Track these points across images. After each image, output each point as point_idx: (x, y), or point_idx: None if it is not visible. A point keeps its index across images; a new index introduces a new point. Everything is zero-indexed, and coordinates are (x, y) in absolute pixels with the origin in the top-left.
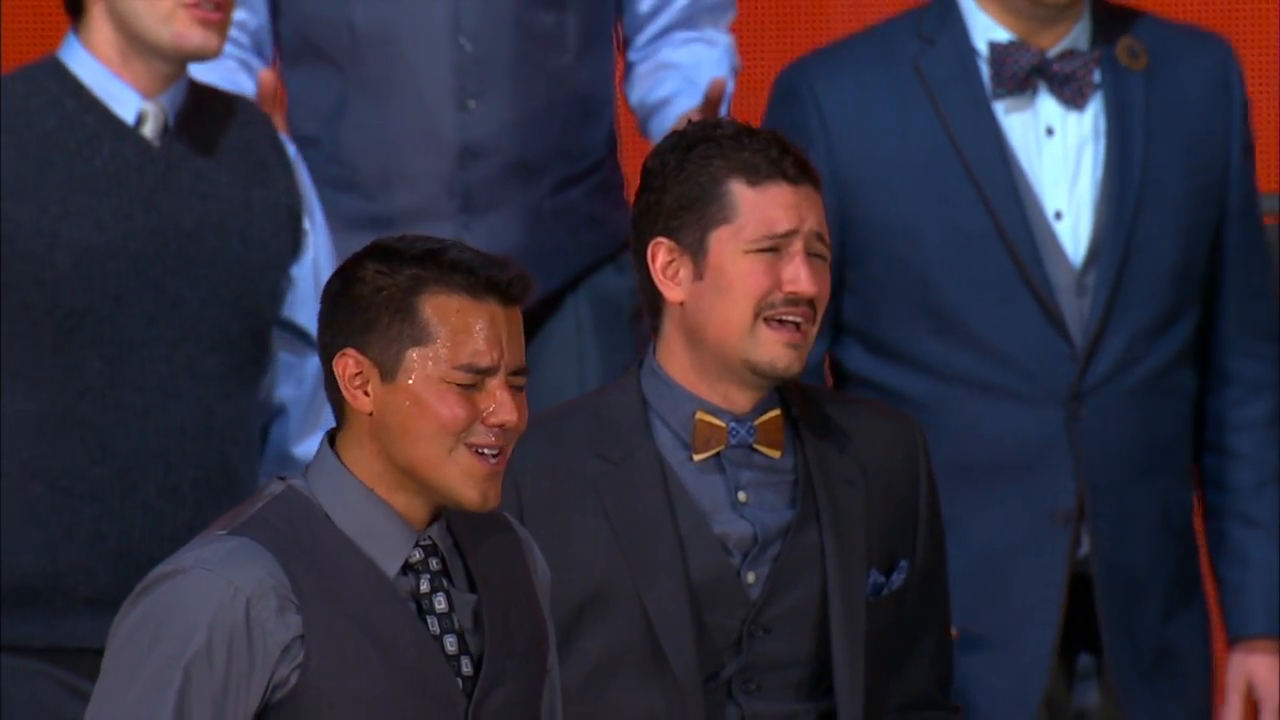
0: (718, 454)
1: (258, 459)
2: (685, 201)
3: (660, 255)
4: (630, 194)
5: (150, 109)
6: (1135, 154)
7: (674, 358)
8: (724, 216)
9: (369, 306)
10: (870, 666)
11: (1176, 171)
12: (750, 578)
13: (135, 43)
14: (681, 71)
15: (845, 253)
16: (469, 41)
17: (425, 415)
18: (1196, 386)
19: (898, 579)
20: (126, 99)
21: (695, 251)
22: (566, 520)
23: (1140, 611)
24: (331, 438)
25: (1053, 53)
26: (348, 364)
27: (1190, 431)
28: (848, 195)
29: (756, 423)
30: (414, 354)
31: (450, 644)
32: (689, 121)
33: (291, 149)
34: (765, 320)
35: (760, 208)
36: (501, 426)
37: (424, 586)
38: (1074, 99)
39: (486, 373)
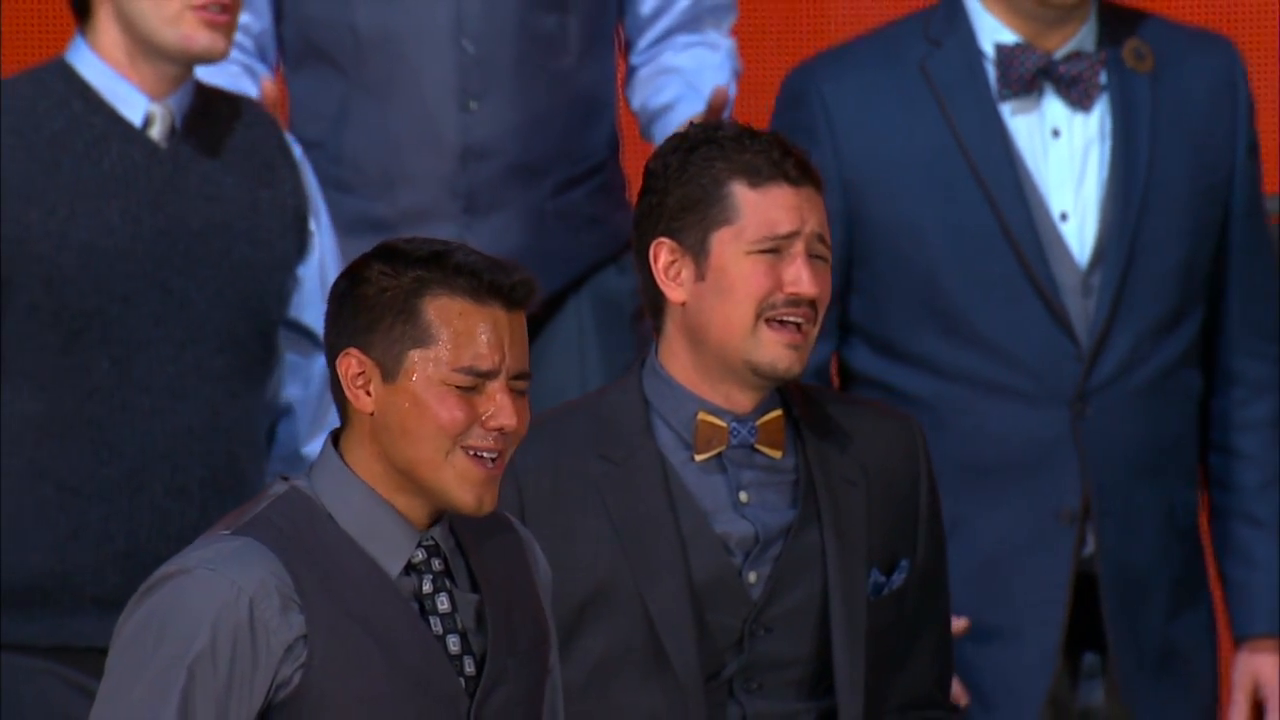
0: (719, 454)
1: (265, 459)
2: (687, 203)
3: (662, 256)
4: (632, 195)
5: (157, 111)
6: (1141, 155)
7: (676, 358)
8: (726, 218)
9: (373, 307)
10: (871, 666)
11: (1182, 172)
12: (751, 577)
13: (142, 45)
14: (684, 77)
15: (852, 253)
16: (471, 43)
17: (424, 416)
18: (1202, 386)
19: (898, 578)
20: (134, 101)
21: (697, 252)
22: (568, 520)
23: (1145, 611)
24: (335, 438)
25: (1059, 54)
26: (351, 364)
27: (1196, 431)
28: (854, 196)
29: (758, 423)
30: (415, 355)
31: (453, 644)
32: (691, 124)
33: (297, 150)
34: (766, 321)
35: (762, 209)
36: (501, 430)
37: (427, 587)
38: (1080, 100)
39: (487, 376)
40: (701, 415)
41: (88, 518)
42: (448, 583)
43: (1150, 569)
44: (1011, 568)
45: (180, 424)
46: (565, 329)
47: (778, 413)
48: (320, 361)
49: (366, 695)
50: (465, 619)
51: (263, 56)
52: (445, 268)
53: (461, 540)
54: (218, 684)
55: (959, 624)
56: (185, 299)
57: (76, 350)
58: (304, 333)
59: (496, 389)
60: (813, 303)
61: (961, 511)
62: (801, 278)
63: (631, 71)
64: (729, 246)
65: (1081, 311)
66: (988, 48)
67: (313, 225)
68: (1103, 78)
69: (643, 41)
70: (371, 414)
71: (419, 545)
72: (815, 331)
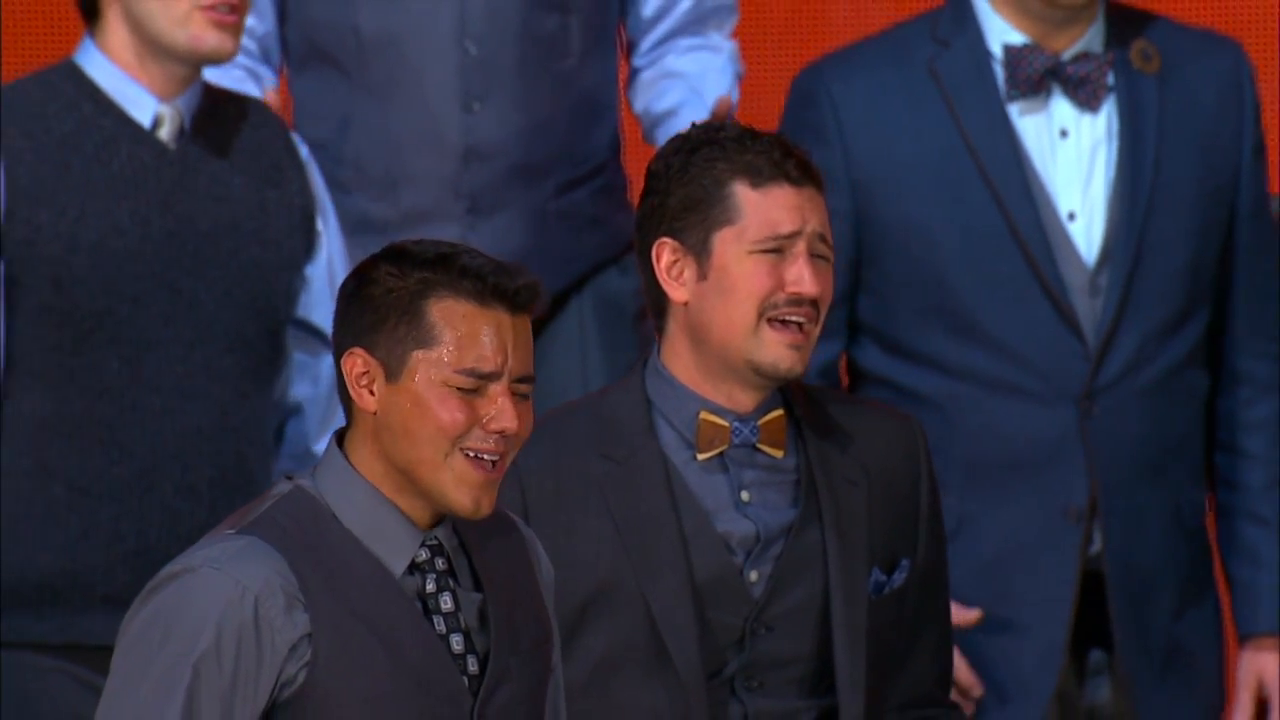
0: (721, 453)
1: (273, 458)
2: (689, 203)
3: (665, 256)
4: (634, 196)
5: (166, 112)
6: (1148, 156)
7: (678, 358)
8: (727, 218)
9: (378, 307)
10: (871, 664)
11: (1188, 173)
12: (753, 576)
13: (151, 45)
14: (687, 81)
15: (861, 253)
16: (474, 45)
17: (425, 417)
18: (1208, 386)
19: (899, 578)
20: (143, 102)
21: (699, 252)
22: (570, 519)
23: (1152, 609)
24: (340, 437)
25: (1067, 55)
26: (355, 363)
27: (1203, 431)
28: (863, 196)
29: (760, 422)
30: (418, 355)
31: (456, 643)
32: (693, 125)
33: (304, 150)
34: (768, 321)
35: (763, 209)
36: (501, 433)
37: (430, 586)
38: (1088, 101)
39: (489, 378)
40: (703, 415)
41: (98, 517)
42: (451, 582)
43: (1157, 567)
44: (1018, 565)
45: (190, 424)
46: (567, 329)
47: (779, 412)
48: (329, 360)
49: (370, 694)
50: (468, 618)
51: (266, 59)
52: (451, 270)
53: (465, 539)
54: (223, 682)
55: (970, 615)
56: (194, 299)
57: (86, 350)
58: (312, 332)
59: (498, 392)
60: (814, 302)
61: (969, 509)
62: (803, 277)
63: (634, 74)
64: (731, 246)
65: (1089, 311)
66: (996, 48)
67: (320, 225)
68: (1110, 78)
69: (645, 43)
70: (374, 413)
71: (422, 545)
72: (817, 331)
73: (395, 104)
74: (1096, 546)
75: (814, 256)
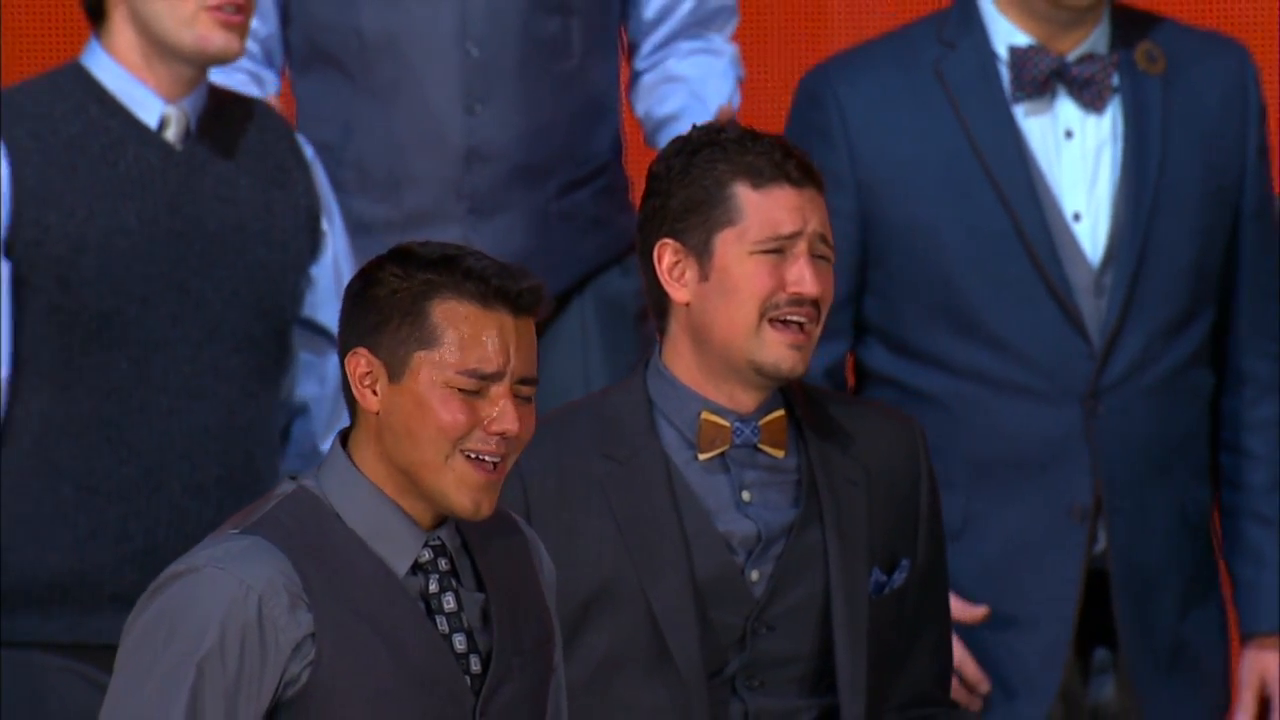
0: (722, 453)
1: (280, 457)
2: (690, 204)
3: (666, 257)
4: (635, 197)
5: (173, 113)
6: (1152, 157)
7: (680, 358)
8: (729, 219)
9: (382, 308)
10: (872, 664)
11: (1193, 174)
12: (754, 576)
13: (157, 46)
14: (689, 86)
15: (867, 254)
16: (476, 47)
17: (426, 417)
18: (1213, 386)
19: (899, 578)
20: (149, 103)
21: (701, 253)
22: (572, 519)
23: (1156, 608)
24: (344, 437)
25: (1072, 57)
26: (359, 363)
27: (1207, 430)
28: (869, 197)
29: (761, 423)
30: (420, 356)
31: (459, 642)
32: (694, 127)
33: (309, 150)
34: (770, 321)
35: (764, 210)
36: (502, 435)
37: (433, 586)
38: (1093, 102)
39: (491, 379)
40: (705, 415)
41: (106, 516)
42: (454, 582)
43: (1161, 566)
44: (1024, 564)
45: (197, 423)
46: (569, 330)
47: (780, 413)
48: (335, 360)
49: (373, 693)
50: (471, 618)
51: (269, 61)
52: (455, 272)
53: (467, 540)
54: (226, 682)
55: (976, 612)
56: (201, 299)
57: (94, 350)
58: (318, 331)
59: (500, 393)
60: (815, 302)
61: (974, 508)
62: (804, 277)
63: (635, 77)
64: (732, 247)
65: (1094, 311)
66: (1001, 50)
67: (325, 225)
68: (1115, 80)
69: (646, 46)
70: (377, 414)
71: (425, 545)
72: (818, 331)
73: (397, 106)
74: (1101, 545)
75: (815, 257)
